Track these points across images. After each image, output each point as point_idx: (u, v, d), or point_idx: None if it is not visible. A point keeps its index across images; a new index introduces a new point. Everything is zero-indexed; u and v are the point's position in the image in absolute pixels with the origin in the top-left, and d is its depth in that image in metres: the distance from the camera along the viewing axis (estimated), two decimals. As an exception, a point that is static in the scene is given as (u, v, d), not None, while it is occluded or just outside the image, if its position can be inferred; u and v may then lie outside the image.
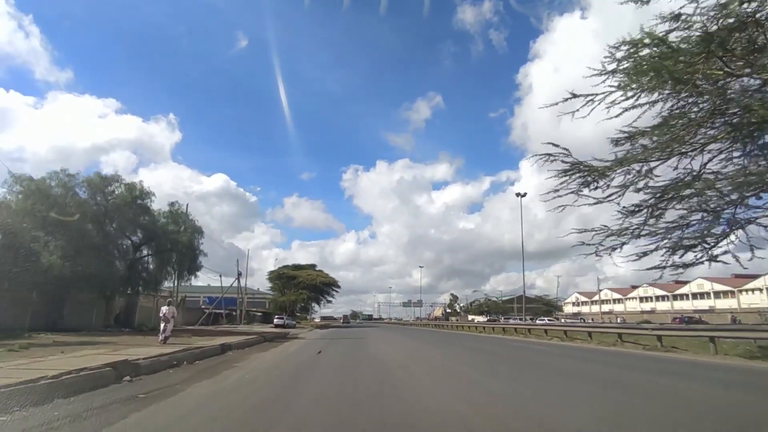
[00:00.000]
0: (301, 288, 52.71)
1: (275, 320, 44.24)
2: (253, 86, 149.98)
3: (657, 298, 69.72)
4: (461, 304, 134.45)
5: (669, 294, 66.79)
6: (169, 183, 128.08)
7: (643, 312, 66.78)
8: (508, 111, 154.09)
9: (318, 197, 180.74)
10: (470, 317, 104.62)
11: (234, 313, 48.79)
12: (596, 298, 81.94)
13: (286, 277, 55.23)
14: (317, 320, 76.68)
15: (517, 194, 31.48)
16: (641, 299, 72.63)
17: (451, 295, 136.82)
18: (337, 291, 60.09)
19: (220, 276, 48.69)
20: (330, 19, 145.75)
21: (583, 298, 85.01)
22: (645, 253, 12.67)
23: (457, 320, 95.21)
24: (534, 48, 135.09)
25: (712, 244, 11.79)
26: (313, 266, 61.87)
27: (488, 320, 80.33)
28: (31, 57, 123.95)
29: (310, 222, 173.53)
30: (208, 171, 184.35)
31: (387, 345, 17.61)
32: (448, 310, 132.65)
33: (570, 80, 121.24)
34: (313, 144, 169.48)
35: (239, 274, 48.22)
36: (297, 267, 60.79)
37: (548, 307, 66.21)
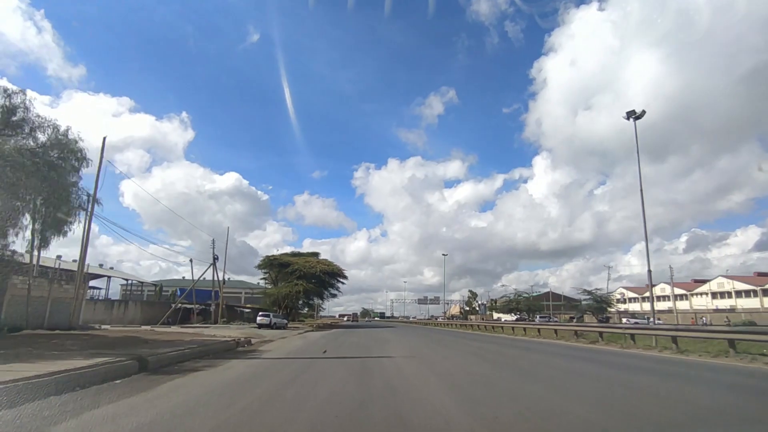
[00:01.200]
0: (297, 278, 41.93)
1: (258, 318, 33.55)
2: (264, 86, 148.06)
3: (738, 293, 57.02)
4: (480, 302, 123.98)
5: (756, 288, 54.01)
6: (182, 181, 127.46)
7: (717, 310, 54.25)
8: (523, 106, 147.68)
9: (329, 196, 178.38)
10: (496, 315, 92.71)
11: (210, 309, 38.19)
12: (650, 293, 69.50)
13: (278, 265, 44.45)
14: (313, 319, 66.17)
15: (630, 114, 19.57)
16: (714, 295, 60.01)
17: (470, 291, 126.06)
18: (342, 282, 49.18)
19: (191, 261, 38.16)
20: (340, 16, 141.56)
21: (632, 294, 72.66)
22: None
23: (483, 318, 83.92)
24: (549, 41, 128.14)
25: None
26: (315, 254, 51.07)
27: (517, 319, 70.02)
28: (44, 53, 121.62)
29: (321, 220, 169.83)
30: (221, 170, 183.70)
31: (438, 381, 6.60)
32: (467, 308, 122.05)
33: (587, 73, 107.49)
34: (324, 143, 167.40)
35: (215, 259, 37.64)
36: (296, 254, 50.05)
37: (601, 303, 54.07)
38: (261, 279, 48.83)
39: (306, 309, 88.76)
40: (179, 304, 37.18)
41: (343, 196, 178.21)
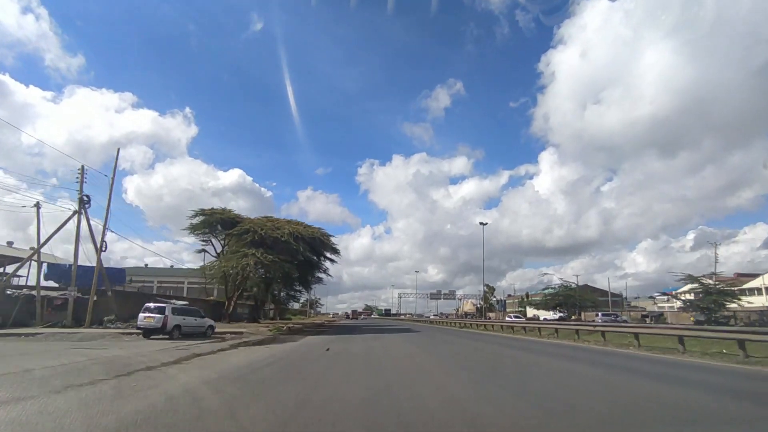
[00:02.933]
0: (252, 245, 24.32)
1: (141, 318, 15.88)
2: (267, 83, 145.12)
3: None
4: (497, 297, 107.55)
5: None
6: (185, 178, 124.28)
7: None
8: (531, 100, 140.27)
9: (333, 192, 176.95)
10: (531, 313, 74.61)
11: (70, 297, 20.31)
12: (757, 284, 52.17)
13: (219, 222, 26.91)
14: (305, 317, 48.61)
15: None
16: None
17: (486, 286, 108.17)
18: (332, 260, 31.43)
19: (37, 207, 20.28)
20: (343, 13, 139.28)
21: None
22: None
23: (524, 318, 66.56)
24: (559, 33, 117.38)
25: None
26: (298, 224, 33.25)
27: (559, 318, 52.81)
28: (42, 43, 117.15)
29: (324, 216, 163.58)
30: (225, 166, 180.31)
31: None
32: (483, 304, 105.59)
33: (597, 66, 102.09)
34: (328, 140, 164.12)
35: (83, 203, 19.93)
36: (269, 219, 32.12)
37: (721, 296, 36.00)
38: (199, 251, 30.71)
39: (294, 303, 70.72)
40: (16, 292, 19.66)
41: (347, 193, 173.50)
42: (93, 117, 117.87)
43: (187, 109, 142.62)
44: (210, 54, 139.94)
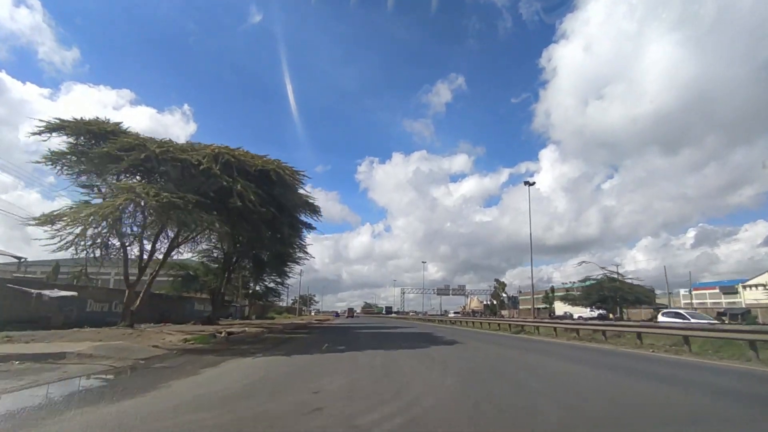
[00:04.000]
0: (137, 174, 12.66)
1: None
2: (266, 81, 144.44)
3: None
4: (507, 294, 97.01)
5: None
6: None
7: None
8: (533, 95, 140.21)
9: (332, 189, 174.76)
10: (562, 310, 62.85)
11: None
12: None
13: (87, 136, 14.40)
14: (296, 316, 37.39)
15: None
16: None
17: (496, 281, 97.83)
18: (309, 225, 19.73)
19: None
20: (343, 12, 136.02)
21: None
22: None
23: (552, 316, 55.55)
24: (561, 28, 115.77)
25: None
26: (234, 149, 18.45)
27: (599, 317, 42.90)
28: (35, 35, 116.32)
29: (324, 212, 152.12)
30: None
31: None
32: (493, 301, 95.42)
33: (600, 62, 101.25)
34: (327, 138, 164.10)
35: None
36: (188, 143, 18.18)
37: None
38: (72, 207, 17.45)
39: (276, 299, 58.45)
40: None
41: (346, 191, 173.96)
42: (90, 114, 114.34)
43: (186, 106, 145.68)
44: (209, 51, 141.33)
